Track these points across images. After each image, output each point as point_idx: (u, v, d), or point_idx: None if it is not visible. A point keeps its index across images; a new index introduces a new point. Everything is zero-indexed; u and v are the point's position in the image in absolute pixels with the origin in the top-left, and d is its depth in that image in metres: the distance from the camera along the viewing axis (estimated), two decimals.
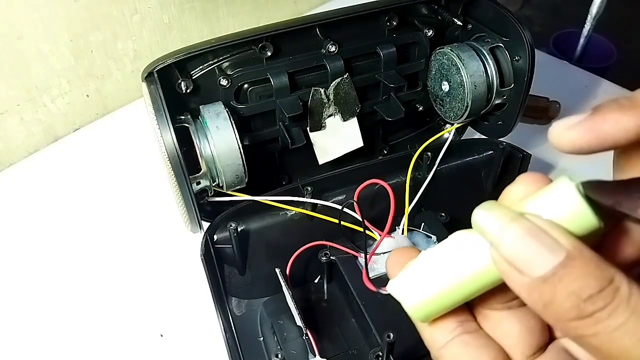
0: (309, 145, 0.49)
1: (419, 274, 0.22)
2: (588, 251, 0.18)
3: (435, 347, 0.23)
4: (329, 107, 0.48)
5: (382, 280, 0.44)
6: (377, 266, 0.44)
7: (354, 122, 0.49)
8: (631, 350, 0.17)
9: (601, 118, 0.19)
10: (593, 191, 0.19)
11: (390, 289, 0.23)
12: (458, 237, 0.21)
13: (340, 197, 0.48)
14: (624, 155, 0.21)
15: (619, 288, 0.17)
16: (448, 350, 0.22)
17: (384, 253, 0.44)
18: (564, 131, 0.20)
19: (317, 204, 0.46)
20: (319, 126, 0.48)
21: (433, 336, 0.23)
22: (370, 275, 0.44)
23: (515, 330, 0.22)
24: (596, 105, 0.21)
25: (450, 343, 0.22)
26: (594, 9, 1.03)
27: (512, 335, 0.22)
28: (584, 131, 0.20)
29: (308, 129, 0.48)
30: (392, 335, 0.36)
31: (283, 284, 0.42)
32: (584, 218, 0.18)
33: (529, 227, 0.18)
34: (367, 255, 0.43)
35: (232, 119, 0.42)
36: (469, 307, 0.23)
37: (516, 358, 0.22)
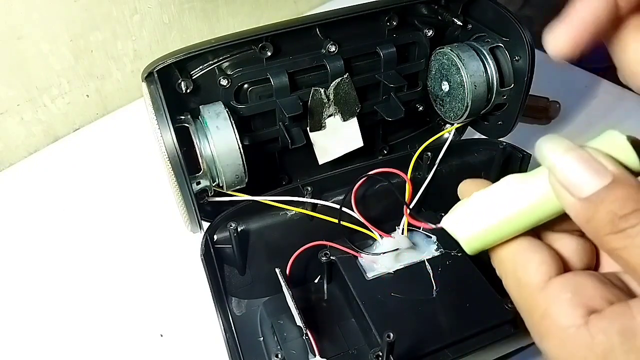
0: (309, 145, 0.49)
1: (472, 209, 0.25)
2: (630, 178, 0.21)
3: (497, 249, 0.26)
4: (329, 107, 0.48)
5: (382, 280, 0.44)
6: (377, 266, 0.44)
7: (354, 122, 0.49)
8: None
9: (574, 12, 0.23)
10: (636, 142, 0.22)
11: (444, 223, 0.26)
12: (509, 179, 0.25)
13: (341, 197, 0.48)
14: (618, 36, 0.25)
15: None
16: (510, 248, 0.25)
17: (384, 253, 0.44)
18: (557, 39, 0.23)
19: (317, 204, 0.46)
20: (319, 126, 0.48)
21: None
22: (369, 276, 0.44)
23: (572, 246, 0.25)
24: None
25: (512, 243, 0.25)
26: None
27: (568, 248, 0.25)
28: (567, 29, 0.23)
29: (308, 129, 0.48)
30: (392, 335, 0.36)
31: (283, 284, 0.42)
32: (629, 158, 0.22)
33: (582, 154, 0.22)
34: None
35: (232, 119, 0.42)
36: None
37: (572, 263, 0.25)
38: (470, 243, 0.25)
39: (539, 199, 0.24)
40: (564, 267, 0.24)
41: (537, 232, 0.26)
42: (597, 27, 0.23)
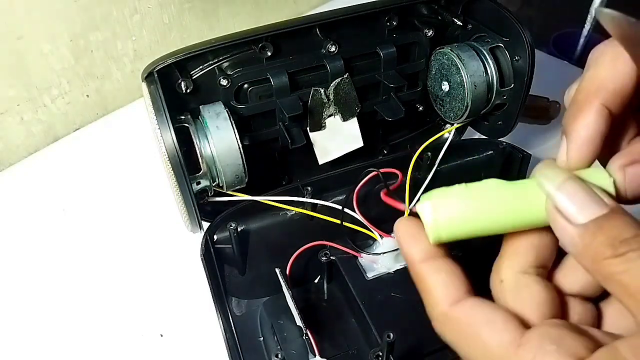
0: (309, 145, 0.49)
1: (447, 201, 0.25)
2: (624, 210, 0.22)
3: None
4: (329, 107, 0.48)
5: (382, 280, 0.44)
6: (377, 266, 0.44)
7: (354, 122, 0.49)
8: None
9: (575, 134, 0.24)
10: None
11: (418, 208, 0.26)
12: (489, 183, 0.25)
13: (341, 197, 0.48)
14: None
15: None
16: (463, 309, 0.24)
17: (384, 253, 0.44)
18: (566, 163, 0.24)
19: (317, 204, 0.46)
20: (319, 126, 0.48)
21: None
22: (369, 276, 0.44)
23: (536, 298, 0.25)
24: (563, 125, 0.25)
25: (465, 305, 0.24)
26: (594, 9, 1.03)
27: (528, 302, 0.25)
28: (577, 152, 0.24)
29: (308, 129, 0.48)
30: (392, 335, 0.36)
31: (283, 284, 0.42)
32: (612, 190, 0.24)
33: (581, 184, 0.23)
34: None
35: (232, 119, 0.42)
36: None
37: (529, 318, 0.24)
38: (435, 231, 0.25)
39: (513, 209, 0.24)
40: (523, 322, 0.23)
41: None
42: (601, 139, 0.24)
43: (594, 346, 0.21)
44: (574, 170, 0.24)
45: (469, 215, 0.25)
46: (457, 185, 0.26)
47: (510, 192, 0.25)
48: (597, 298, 0.26)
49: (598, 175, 0.24)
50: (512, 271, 0.25)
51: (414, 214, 0.26)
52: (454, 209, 0.25)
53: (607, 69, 0.25)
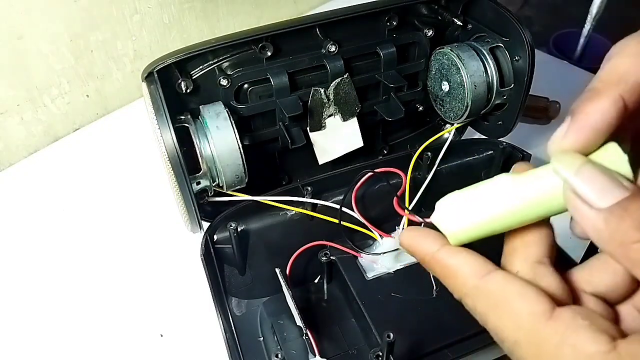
0: (309, 145, 0.49)
1: (460, 205, 0.26)
2: None
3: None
4: (329, 107, 0.48)
5: (382, 280, 0.44)
6: (377, 266, 0.44)
7: (354, 122, 0.49)
8: None
9: (583, 115, 0.23)
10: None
11: (432, 219, 0.26)
12: (500, 179, 0.25)
13: (341, 197, 0.48)
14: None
15: None
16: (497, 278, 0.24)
17: (384, 253, 0.44)
18: (560, 142, 0.23)
19: (317, 204, 0.46)
20: (319, 126, 0.48)
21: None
22: (369, 276, 0.44)
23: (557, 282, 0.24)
24: (572, 107, 0.23)
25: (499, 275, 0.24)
26: (594, 9, 1.03)
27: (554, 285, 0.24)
28: (576, 133, 0.23)
29: (308, 129, 0.48)
30: (392, 335, 0.36)
31: (283, 284, 0.42)
32: (626, 171, 0.23)
33: (600, 168, 0.22)
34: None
35: (232, 119, 0.42)
36: None
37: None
38: (456, 238, 0.26)
39: (530, 201, 0.24)
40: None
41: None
42: (606, 131, 0.23)
43: (622, 333, 0.21)
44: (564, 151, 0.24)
45: (485, 218, 0.25)
46: (469, 188, 0.26)
47: (523, 186, 0.24)
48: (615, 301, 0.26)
49: (610, 158, 0.23)
50: (527, 263, 0.25)
51: (430, 225, 0.26)
52: (469, 216, 0.25)
53: (631, 62, 0.23)
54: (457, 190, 0.27)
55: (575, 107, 0.23)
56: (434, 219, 0.26)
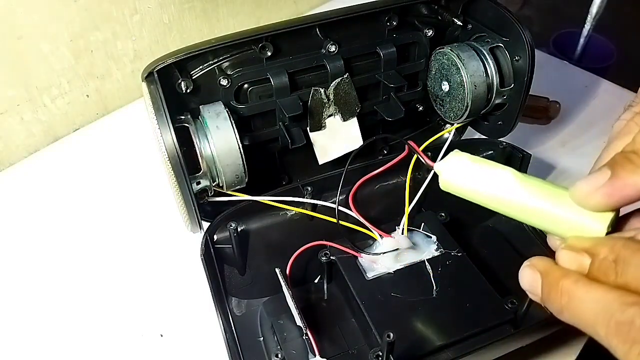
0: (309, 145, 0.49)
1: (467, 170, 0.32)
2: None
3: None
4: (329, 107, 0.48)
5: (382, 280, 0.44)
6: (377, 266, 0.44)
7: (354, 122, 0.49)
8: None
9: (621, 183, 0.24)
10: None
11: (437, 167, 0.34)
12: (509, 173, 0.30)
13: (341, 197, 0.48)
14: None
15: None
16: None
17: (384, 253, 0.44)
18: (588, 195, 0.25)
19: (317, 204, 0.46)
20: (319, 126, 0.48)
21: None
22: (369, 276, 0.44)
23: None
24: (610, 160, 0.25)
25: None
26: (594, 9, 1.03)
27: None
28: (607, 196, 0.24)
29: (308, 129, 0.48)
30: (392, 335, 0.36)
31: (283, 284, 0.42)
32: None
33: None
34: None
35: (232, 119, 0.42)
36: None
37: None
38: (448, 187, 0.32)
39: (522, 207, 0.29)
40: None
41: None
42: (634, 199, 0.24)
43: None
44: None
45: (478, 192, 0.31)
46: (478, 160, 0.32)
47: (523, 191, 0.29)
48: None
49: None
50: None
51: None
52: (466, 182, 0.31)
53: None
54: (468, 155, 0.32)
55: (614, 165, 0.24)
56: (437, 166, 0.33)
